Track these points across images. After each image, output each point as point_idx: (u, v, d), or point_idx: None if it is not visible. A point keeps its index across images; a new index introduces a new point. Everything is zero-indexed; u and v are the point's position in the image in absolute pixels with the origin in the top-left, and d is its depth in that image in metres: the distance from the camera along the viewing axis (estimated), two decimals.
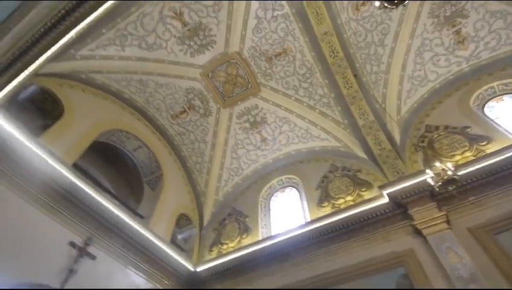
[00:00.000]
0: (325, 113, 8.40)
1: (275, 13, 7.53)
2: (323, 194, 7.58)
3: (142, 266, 6.76)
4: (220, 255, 7.89)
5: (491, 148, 6.09)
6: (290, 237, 6.87)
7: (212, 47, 8.08)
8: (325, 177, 7.95)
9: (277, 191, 9.08)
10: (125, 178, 9.37)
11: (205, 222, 9.21)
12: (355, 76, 7.84)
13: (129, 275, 6.45)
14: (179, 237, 9.08)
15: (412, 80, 8.08)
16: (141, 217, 7.44)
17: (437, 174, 4.74)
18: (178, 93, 8.85)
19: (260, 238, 7.66)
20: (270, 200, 8.94)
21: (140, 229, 6.69)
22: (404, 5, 3.61)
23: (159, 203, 8.00)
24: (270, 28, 7.79)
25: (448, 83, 7.97)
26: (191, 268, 7.78)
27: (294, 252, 6.74)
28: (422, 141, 7.16)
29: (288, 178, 8.97)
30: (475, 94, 7.44)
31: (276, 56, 8.23)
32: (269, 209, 8.71)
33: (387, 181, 6.72)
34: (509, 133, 6.27)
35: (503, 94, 7.36)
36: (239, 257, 7.32)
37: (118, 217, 6.30)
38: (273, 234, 7.62)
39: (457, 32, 7.76)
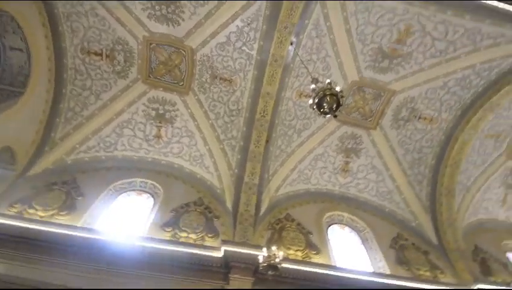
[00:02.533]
0: (226, 152, 8.66)
1: (243, 47, 7.86)
2: (175, 219, 7.35)
3: None
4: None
5: (317, 259, 7.29)
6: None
7: (173, 25, 7.66)
8: (186, 205, 7.82)
9: (133, 190, 8.33)
10: None
11: (37, 170, 7.54)
12: (267, 141, 8.55)
13: None
14: None
15: (300, 173, 9.34)
16: None
17: (268, 256, 5.30)
18: (107, 34, 7.75)
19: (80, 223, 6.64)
20: (120, 194, 8.08)
21: None
22: (326, 117, 4.31)
23: None
24: (232, 55, 8.01)
25: (320, 193, 9.52)
26: None
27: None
28: (277, 224, 8.06)
29: (154, 185, 8.44)
30: (329, 213, 9.07)
31: (221, 79, 8.35)
32: (115, 199, 7.84)
33: (232, 239, 7.05)
34: (333, 256, 7.70)
35: (346, 225, 9.19)
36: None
37: None
38: (94, 227, 6.71)
39: (347, 163, 9.66)
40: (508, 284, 8.16)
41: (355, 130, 9.31)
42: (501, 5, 4.41)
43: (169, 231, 6.99)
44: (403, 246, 8.55)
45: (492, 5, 4.40)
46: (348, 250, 8.44)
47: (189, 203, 7.89)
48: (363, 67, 8.33)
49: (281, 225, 8.03)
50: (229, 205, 8.05)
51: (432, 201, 9.32)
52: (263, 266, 5.23)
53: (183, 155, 8.93)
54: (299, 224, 8.19)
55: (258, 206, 7.94)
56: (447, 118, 8.96)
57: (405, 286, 7.02)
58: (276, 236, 7.63)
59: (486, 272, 8.72)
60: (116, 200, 7.85)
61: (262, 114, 8.40)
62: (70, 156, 8.17)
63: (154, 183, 8.37)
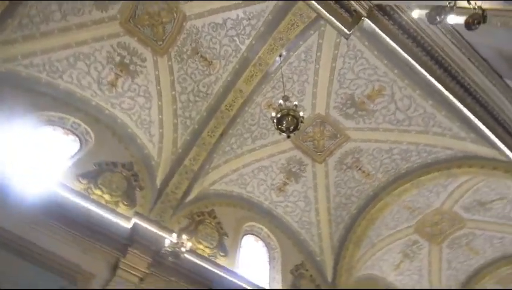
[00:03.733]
0: (177, 128, 8.34)
1: (235, 38, 7.76)
2: (95, 174, 6.82)
3: None
4: None
5: (223, 261, 7.39)
6: None
7: None
8: (113, 164, 7.33)
9: (62, 128, 7.52)
10: None
11: None
12: (221, 135, 8.46)
13: None
14: None
15: (240, 177, 9.42)
16: None
17: (175, 243, 5.20)
18: None
19: None
20: (46, 125, 7.25)
21: None
22: (281, 134, 4.43)
23: None
24: (221, 40, 7.84)
25: (250, 201, 9.72)
26: None
27: None
28: (198, 216, 8.00)
29: (87, 130, 7.68)
30: (251, 223, 9.33)
31: (201, 57, 8.08)
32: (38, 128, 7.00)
33: (147, 215, 6.77)
34: (238, 264, 7.86)
35: (261, 239, 9.48)
36: None
37: None
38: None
39: (285, 183, 10.00)
40: None
41: (304, 157, 9.71)
42: (455, 102, 5.09)
43: (84, 184, 6.48)
44: (302, 275, 9.11)
45: (449, 98, 5.05)
46: (254, 263, 8.71)
47: (117, 164, 7.40)
48: (332, 106, 8.79)
49: (201, 218, 7.97)
50: (158, 181, 7.73)
51: (340, 244, 10.11)
52: (166, 251, 5.11)
53: (131, 114, 8.37)
54: (219, 223, 8.21)
55: (186, 193, 7.78)
56: (380, 179, 9.86)
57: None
58: (193, 227, 7.54)
59: None
60: (38, 129, 7.01)
61: (227, 107, 8.31)
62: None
63: (88, 129, 7.68)
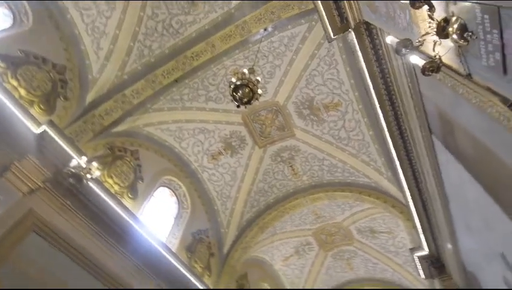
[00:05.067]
0: (131, 51, 7.47)
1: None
2: (20, 59, 5.82)
3: None
4: None
5: (128, 203, 7.16)
6: None
7: None
8: (43, 60, 6.31)
9: None
10: None
11: None
12: (175, 81, 7.97)
13: None
14: None
15: (179, 130, 9.10)
16: None
17: (83, 167, 4.81)
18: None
19: None
20: None
21: None
22: (232, 101, 4.36)
23: None
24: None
25: (179, 157, 9.50)
26: None
27: None
28: (120, 151, 7.52)
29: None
30: (172, 177, 9.22)
31: None
32: None
33: (63, 128, 6.08)
34: (143, 211, 7.72)
35: (176, 196, 9.45)
36: None
37: None
38: None
39: (220, 153, 10.02)
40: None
41: (247, 136, 9.82)
42: (389, 140, 5.65)
43: (1, 67, 5.46)
44: (201, 240, 9.42)
45: (385, 136, 5.61)
46: (160, 214, 8.66)
47: (48, 61, 6.38)
48: (292, 100, 8.99)
49: (122, 154, 7.50)
50: (89, 98, 6.94)
51: (247, 224, 10.70)
52: (69, 171, 4.69)
53: (85, 14, 7.22)
54: (139, 166, 7.86)
55: (115, 122, 7.18)
56: (304, 181, 10.60)
57: (174, 265, 7.67)
58: (109, 159, 7.07)
59: None
60: None
61: (193, 56, 7.82)
62: None
63: (28, 9, 6.38)
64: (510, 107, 1.64)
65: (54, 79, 6.44)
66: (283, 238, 12.13)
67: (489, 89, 1.78)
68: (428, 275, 7.26)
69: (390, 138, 5.51)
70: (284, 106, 9.13)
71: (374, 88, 4.83)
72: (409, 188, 6.22)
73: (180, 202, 9.39)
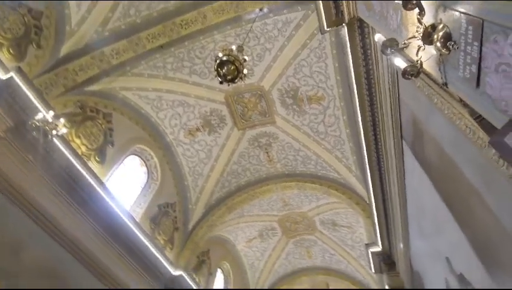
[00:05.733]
0: (116, 8, 7.03)
1: None
2: None
3: None
4: None
5: (95, 166, 6.91)
6: None
7: None
8: (19, 3, 5.74)
9: None
10: None
11: None
12: (160, 46, 7.60)
13: None
14: None
15: (158, 100, 8.80)
16: None
17: (49, 122, 4.53)
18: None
19: None
20: None
21: None
22: (216, 77, 4.24)
23: None
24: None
25: (155, 127, 9.23)
26: None
27: None
28: (92, 111, 7.17)
29: None
30: (145, 147, 8.98)
31: None
32: None
33: (33, 78, 5.63)
34: (110, 177, 7.51)
35: (147, 167, 9.25)
36: None
37: None
38: None
39: (198, 129, 9.85)
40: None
41: (228, 117, 9.70)
42: (362, 140, 5.83)
43: None
44: (167, 213, 9.36)
45: (360, 134, 5.80)
46: (127, 183, 8.46)
47: (23, 4, 5.81)
48: (277, 87, 8.93)
49: (93, 115, 7.13)
50: (64, 50, 6.42)
51: (216, 203, 10.77)
52: (34, 124, 4.40)
53: None
54: (110, 129, 7.54)
55: (90, 80, 6.77)
56: (278, 169, 10.76)
57: (136, 234, 7.62)
58: (79, 118, 6.71)
59: (196, 269, 10.75)
60: None
61: (182, 24, 7.46)
62: None
63: None
64: (476, 120, 1.72)
65: (28, 24, 5.90)
66: (249, 221, 12.37)
67: (461, 101, 1.85)
68: (378, 270, 7.76)
69: (365, 138, 5.69)
70: (268, 92, 9.07)
71: (357, 87, 4.90)
72: (373, 188, 6.51)
73: (150, 173, 9.20)
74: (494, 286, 2.57)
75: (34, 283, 5.41)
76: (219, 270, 12.71)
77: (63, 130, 4.80)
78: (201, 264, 11.12)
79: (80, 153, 6.44)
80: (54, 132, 4.58)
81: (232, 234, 12.59)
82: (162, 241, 8.97)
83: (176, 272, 8.90)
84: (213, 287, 11.80)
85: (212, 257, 11.77)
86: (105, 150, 7.33)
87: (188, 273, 9.29)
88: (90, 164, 6.63)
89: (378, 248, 7.56)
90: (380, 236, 7.30)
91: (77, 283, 6.23)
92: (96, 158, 7.00)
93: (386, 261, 7.50)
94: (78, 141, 6.62)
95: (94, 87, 7.10)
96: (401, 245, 6.23)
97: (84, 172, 6.18)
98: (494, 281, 2.52)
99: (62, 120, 4.80)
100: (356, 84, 4.83)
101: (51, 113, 4.80)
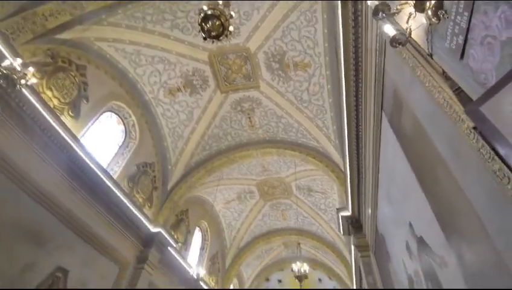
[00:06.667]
0: None
1: None
2: None
3: None
4: None
5: (68, 121, 6.58)
6: None
7: None
8: None
9: None
10: None
11: None
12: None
13: None
14: None
15: (138, 55, 8.28)
16: None
17: (17, 70, 4.17)
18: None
19: None
20: None
21: None
22: (199, 32, 3.98)
23: None
24: None
25: (133, 84, 8.80)
26: None
27: None
28: (64, 62, 6.66)
29: None
30: (121, 103, 8.59)
31: None
32: None
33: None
34: (84, 133, 7.22)
35: (124, 125, 8.96)
36: None
37: None
38: None
39: (179, 89, 9.52)
40: (179, 250, 10.70)
41: (211, 78, 9.39)
42: (344, 110, 5.92)
43: None
44: (145, 172, 9.33)
45: (342, 106, 5.86)
46: (103, 141, 8.21)
47: None
48: (264, 50, 8.64)
49: (66, 66, 6.64)
50: None
51: (195, 166, 10.82)
52: (0, 72, 4.02)
53: None
54: (85, 83, 7.11)
55: (62, 28, 6.18)
56: (259, 134, 10.82)
57: (114, 191, 7.61)
58: (50, 69, 6.23)
59: (175, 227, 11.07)
60: None
61: None
62: None
63: None
64: (455, 92, 1.77)
65: None
66: (228, 183, 12.65)
67: (443, 73, 1.89)
68: (347, 232, 8.37)
69: (346, 107, 5.76)
70: (254, 54, 8.78)
71: (344, 54, 4.84)
72: (349, 157, 6.76)
73: (127, 132, 8.96)
74: (448, 247, 2.86)
75: (10, 241, 5.34)
76: (197, 229, 13.18)
77: (33, 80, 4.45)
78: (180, 223, 11.45)
79: (52, 106, 6.08)
80: (23, 82, 4.24)
81: (211, 195, 12.89)
82: (140, 200, 9.04)
83: (155, 229, 9.13)
84: (191, 245, 12.29)
85: (190, 217, 12.12)
86: (79, 104, 6.96)
87: (166, 230, 9.56)
88: (63, 118, 6.31)
89: (348, 213, 8.07)
90: (351, 202, 7.76)
91: (57, 240, 6.21)
92: (70, 113, 6.66)
93: (354, 225, 8.07)
94: (49, 93, 6.22)
95: (66, 36, 6.52)
96: (369, 210, 6.68)
97: (57, 126, 5.90)
98: (450, 245, 2.79)
99: (31, 69, 4.43)
100: (344, 50, 4.77)
101: (19, 60, 4.40)
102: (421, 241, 3.69)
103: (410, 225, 4.03)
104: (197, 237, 13.18)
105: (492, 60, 1.32)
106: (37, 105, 5.51)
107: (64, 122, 6.17)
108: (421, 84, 2.67)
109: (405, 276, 4.79)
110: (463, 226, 2.44)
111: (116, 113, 8.62)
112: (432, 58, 1.82)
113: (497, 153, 1.46)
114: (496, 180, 1.58)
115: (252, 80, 9.43)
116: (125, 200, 7.93)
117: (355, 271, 10.78)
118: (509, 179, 1.46)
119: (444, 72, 1.87)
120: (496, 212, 1.76)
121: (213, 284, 13.43)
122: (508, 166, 1.42)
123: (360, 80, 4.97)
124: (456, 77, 1.59)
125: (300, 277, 9.84)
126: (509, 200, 1.51)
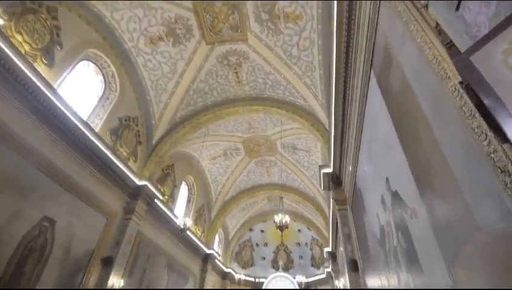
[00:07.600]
0: None
1: None
2: None
3: None
4: None
5: (43, 70, 6.12)
6: None
7: None
8: None
9: None
10: None
11: None
12: None
13: None
14: None
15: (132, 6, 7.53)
16: None
17: None
18: None
19: None
20: None
21: None
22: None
23: None
24: None
25: (113, 33, 8.14)
26: None
27: None
28: (33, 4, 5.95)
29: None
30: (100, 52, 8.01)
31: None
32: None
33: None
34: (61, 83, 6.79)
35: (102, 75, 8.47)
36: None
37: None
38: None
39: (161, 39, 8.93)
40: (165, 203, 10.94)
41: (195, 27, 8.80)
42: (333, 69, 5.80)
43: None
44: (128, 126, 9.13)
45: (332, 63, 5.72)
46: (81, 91, 7.81)
47: None
48: None
49: (35, 8, 5.99)
50: None
51: (180, 121, 10.68)
52: None
53: None
54: (57, 28, 6.51)
55: None
56: (246, 91, 10.60)
57: (96, 145, 7.48)
58: (18, 10, 5.56)
59: (161, 181, 11.23)
60: None
61: None
62: None
63: None
64: (446, 46, 1.74)
65: None
66: (214, 140, 12.68)
67: (436, 26, 1.83)
68: (327, 188, 8.80)
69: (336, 66, 5.64)
70: (242, 2, 8.19)
71: (337, 8, 4.59)
72: (335, 116, 6.82)
73: (107, 83, 8.53)
74: (420, 201, 3.07)
75: None
76: (183, 183, 13.46)
77: None
78: (166, 177, 11.61)
79: (23, 52, 5.60)
80: None
81: (197, 151, 12.95)
82: (124, 153, 8.98)
83: (141, 182, 9.25)
84: (177, 198, 12.65)
85: (177, 171, 12.27)
86: (52, 51, 6.45)
87: (152, 183, 9.71)
88: (36, 65, 5.87)
89: (329, 169, 8.39)
90: (333, 159, 8.02)
91: (41, 191, 6.19)
92: (44, 60, 6.19)
93: (335, 181, 8.46)
94: (19, 37, 5.68)
95: None
96: (350, 167, 6.97)
97: (29, 73, 5.50)
98: (423, 199, 2.98)
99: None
100: (337, 2, 4.51)
101: None
102: (395, 195, 3.93)
103: (387, 180, 4.25)
104: (183, 191, 13.52)
105: (487, 12, 1.27)
106: (7, 50, 5.05)
107: (37, 70, 5.76)
108: (412, 40, 2.60)
109: (378, 227, 5.19)
110: (437, 181, 2.59)
111: (93, 62, 8.11)
112: (427, 11, 1.74)
113: (479, 110, 1.49)
114: (474, 137, 1.64)
115: (239, 30, 8.93)
116: (109, 153, 7.85)
117: (332, 223, 11.60)
118: (486, 135, 1.52)
119: (437, 25, 1.81)
120: (470, 167, 1.86)
121: (199, 233, 14.17)
122: (487, 123, 1.46)
123: (351, 36, 4.80)
124: (449, 30, 1.55)
125: (282, 227, 10.50)
126: (484, 156, 1.59)
